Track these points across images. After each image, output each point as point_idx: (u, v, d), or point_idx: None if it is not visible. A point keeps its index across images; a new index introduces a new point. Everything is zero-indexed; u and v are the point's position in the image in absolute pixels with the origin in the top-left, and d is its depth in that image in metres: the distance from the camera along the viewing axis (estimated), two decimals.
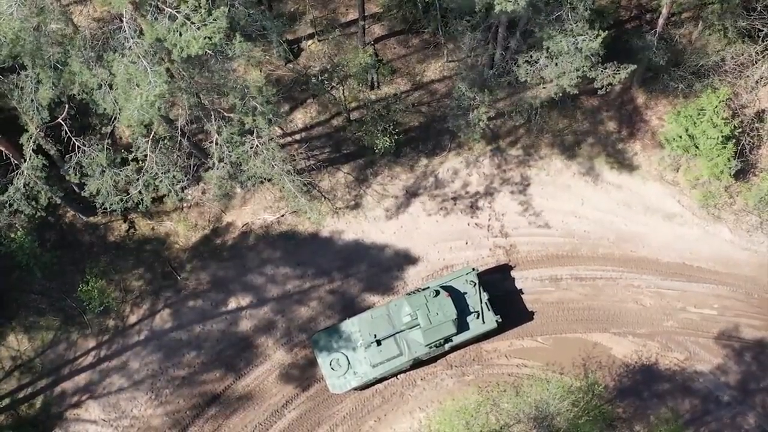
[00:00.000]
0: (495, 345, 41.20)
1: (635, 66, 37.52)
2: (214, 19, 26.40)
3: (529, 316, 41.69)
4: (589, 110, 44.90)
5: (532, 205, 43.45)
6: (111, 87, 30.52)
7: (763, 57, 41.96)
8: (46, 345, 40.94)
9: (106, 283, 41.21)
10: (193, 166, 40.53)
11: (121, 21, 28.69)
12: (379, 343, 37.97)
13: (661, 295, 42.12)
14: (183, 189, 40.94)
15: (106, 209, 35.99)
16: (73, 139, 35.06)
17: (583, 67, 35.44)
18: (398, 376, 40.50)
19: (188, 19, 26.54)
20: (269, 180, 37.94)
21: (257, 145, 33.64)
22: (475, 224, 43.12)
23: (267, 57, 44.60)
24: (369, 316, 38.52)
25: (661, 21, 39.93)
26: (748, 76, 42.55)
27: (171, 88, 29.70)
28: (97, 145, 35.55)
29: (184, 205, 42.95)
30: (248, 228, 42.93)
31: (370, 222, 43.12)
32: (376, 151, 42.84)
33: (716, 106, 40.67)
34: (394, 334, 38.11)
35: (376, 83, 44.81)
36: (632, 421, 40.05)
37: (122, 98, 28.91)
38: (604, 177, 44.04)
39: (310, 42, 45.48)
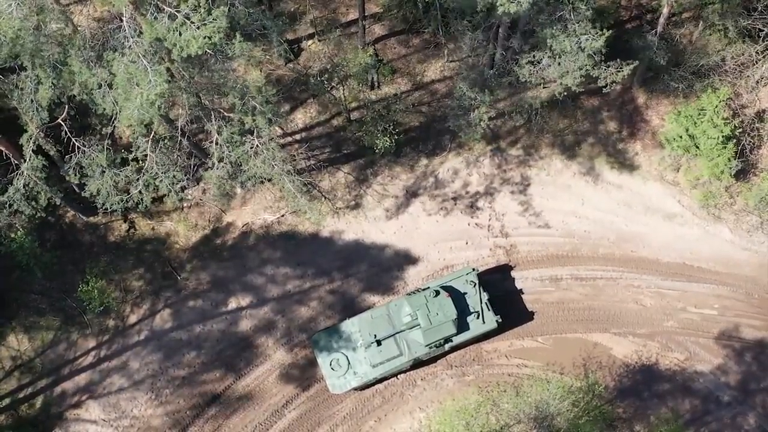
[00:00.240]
0: (495, 345, 41.18)
1: (637, 62, 37.49)
2: (214, 19, 26.39)
3: (529, 316, 41.67)
4: (590, 110, 44.88)
5: (532, 205, 43.43)
6: (111, 87, 30.53)
7: (764, 57, 41.94)
8: (46, 345, 40.93)
9: (106, 283, 41.21)
10: (194, 166, 40.55)
11: (121, 20, 28.70)
12: (379, 343, 37.95)
13: (662, 295, 42.10)
14: (183, 189, 41.00)
15: (107, 209, 35.99)
16: (73, 139, 35.07)
17: (586, 66, 35.44)
18: (398, 377, 40.49)
19: (188, 19, 26.53)
20: (269, 180, 37.94)
21: (257, 145, 33.63)
22: (476, 224, 43.10)
23: (267, 57, 44.61)
24: (369, 316, 38.50)
25: (661, 21, 39.92)
26: (748, 76, 42.54)
27: (171, 87, 29.72)
28: (97, 145, 35.55)
29: (185, 205, 42.94)
30: (248, 228, 42.92)
31: (370, 222, 43.11)
32: (376, 151, 42.83)
33: (717, 106, 40.65)
34: (394, 335, 38.09)
35: (376, 83, 44.80)
36: (632, 421, 40.03)
37: (122, 98, 28.91)
38: (604, 177, 44.02)
39: (310, 42, 45.47)
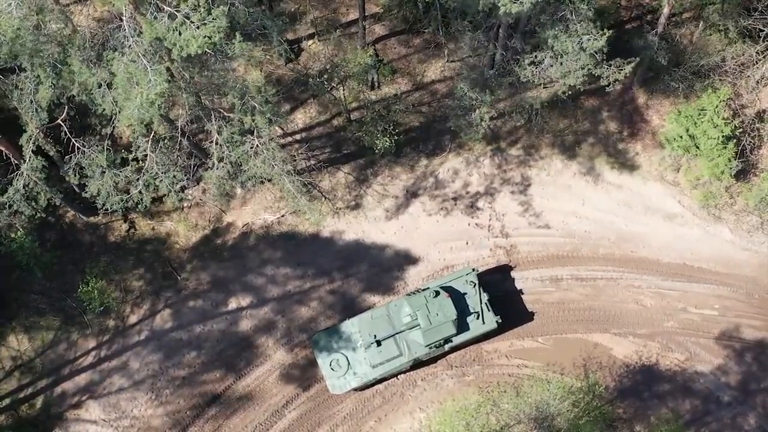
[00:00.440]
0: (495, 345, 41.16)
1: (639, 59, 37.46)
2: (214, 18, 26.39)
3: (529, 316, 41.66)
4: (590, 110, 44.87)
5: (532, 205, 43.42)
6: (110, 87, 30.53)
7: (764, 57, 41.94)
8: (47, 345, 40.92)
9: (106, 283, 41.20)
10: (194, 166, 40.54)
11: (121, 20, 28.69)
12: (379, 343, 37.93)
13: (662, 295, 42.08)
14: (183, 189, 41.08)
15: (107, 210, 35.98)
16: (73, 139, 35.06)
17: (588, 65, 35.44)
18: (398, 377, 40.47)
19: (187, 18, 26.53)
20: (269, 180, 37.95)
21: (257, 145, 33.63)
22: (476, 224, 43.09)
23: (267, 57, 44.62)
24: (369, 317, 38.48)
25: (662, 20, 39.91)
26: (748, 76, 42.54)
27: (171, 87, 29.72)
28: (97, 145, 35.56)
29: (185, 205, 42.93)
30: (248, 228, 42.91)
31: (370, 222, 43.10)
32: (376, 151, 42.83)
33: (717, 106, 40.64)
34: (394, 335, 38.07)
35: (376, 83, 44.80)
36: (633, 421, 40.01)
37: (122, 97, 28.92)
38: (604, 177, 44.01)
39: (310, 42, 45.47)
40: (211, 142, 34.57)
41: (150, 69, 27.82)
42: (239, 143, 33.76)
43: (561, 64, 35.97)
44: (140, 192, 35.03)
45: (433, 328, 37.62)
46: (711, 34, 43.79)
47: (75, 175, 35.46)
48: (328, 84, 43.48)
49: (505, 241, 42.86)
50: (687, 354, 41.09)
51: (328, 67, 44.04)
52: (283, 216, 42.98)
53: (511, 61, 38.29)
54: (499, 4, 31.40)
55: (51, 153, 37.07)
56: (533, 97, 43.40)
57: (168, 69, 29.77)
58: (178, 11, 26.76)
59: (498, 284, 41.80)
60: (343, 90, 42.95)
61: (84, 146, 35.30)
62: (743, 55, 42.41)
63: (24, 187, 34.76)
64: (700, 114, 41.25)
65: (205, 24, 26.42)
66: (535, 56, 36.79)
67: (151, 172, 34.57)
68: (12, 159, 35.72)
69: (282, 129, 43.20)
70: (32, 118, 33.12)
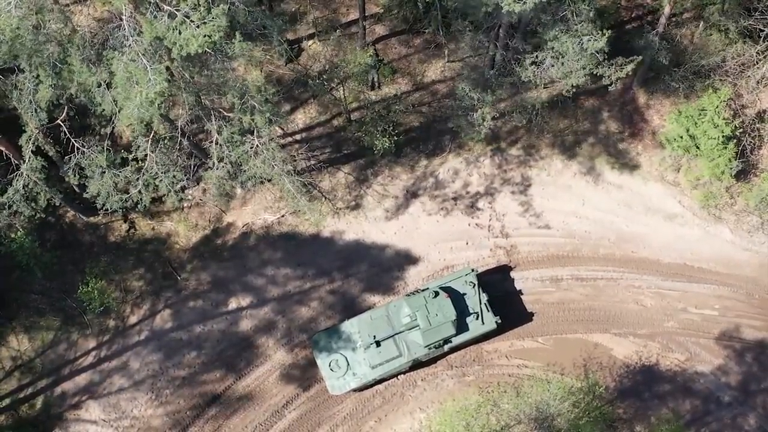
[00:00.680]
0: (496, 345, 41.15)
1: (641, 57, 37.44)
2: (214, 17, 26.39)
3: (529, 316, 41.65)
4: (590, 110, 44.86)
5: (532, 205, 43.41)
6: (110, 86, 30.52)
7: (764, 57, 41.92)
8: (47, 345, 40.92)
9: (106, 284, 41.19)
10: (194, 166, 40.52)
11: (121, 19, 28.68)
12: (378, 344, 37.90)
13: (662, 295, 42.07)
14: (183, 189, 41.08)
15: (107, 210, 35.96)
16: (73, 140, 35.04)
17: (589, 65, 35.43)
18: (398, 377, 40.45)
19: (187, 18, 26.53)
20: (269, 180, 37.93)
21: (257, 145, 33.61)
22: (476, 224, 43.08)
23: (267, 57, 44.60)
24: (368, 317, 38.45)
25: (662, 20, 39.89)
26: (749, 77, 42.50)
27: (171, 86, 29.70)
28: (97, 146, 35.53)
29: (185, 205, 42.93)
30: (249, 228, 42.90)
31: (370, 222, 43.09)
32: (376, 151, 42.83)
33: (717, 107, 40.63)
34: (393, 335, 38.05)
35: (376, 83, 44.79)
36: (633, 421, 39.99)
37: (122, 97, 28.91)
38: (605, 177, 44.00)
39: (310, 42, 45.46)
40: (211, 142, 34.56)
41: (150, 68, 27.81)
42: (239, 143, 33.74)
43: (562, 64, 35.97)
44: (140, 192, 35.01)
45: (432, 328, 37.59)
46: (711, 34, 43.80)
47: (75, 176, 35.43)
48: (327, 84, 43.46)
49: (505, 241, 42.85)
50: (687, 354, 41.07)
51: (327, 68, 44.01)
52: (283, 216, 42.97)
53: (512, 61, 38.28)
54: (503, 4, 31.36)
55: (51, 153, 37.07)
56: (533, 98, 43.38)
57: (168, 68, 29.76)
58: (178, 10, 26.75)
59: (498, 284, 41.79)
60: (344, 90, 42.94)
61: (84, 146, 35.28)
62: (744, 55, 42.39)
63: (24, 188, 34.74)
64: (700, 114, 41.24)
65: (205, 23, 26.41)
66: (536, 56, 36.78)
67: (151, 172, 34.55)
68: (12, 159, 35.69)
69: (282, 129, 43.19)
70: (32, 118, 33.11)
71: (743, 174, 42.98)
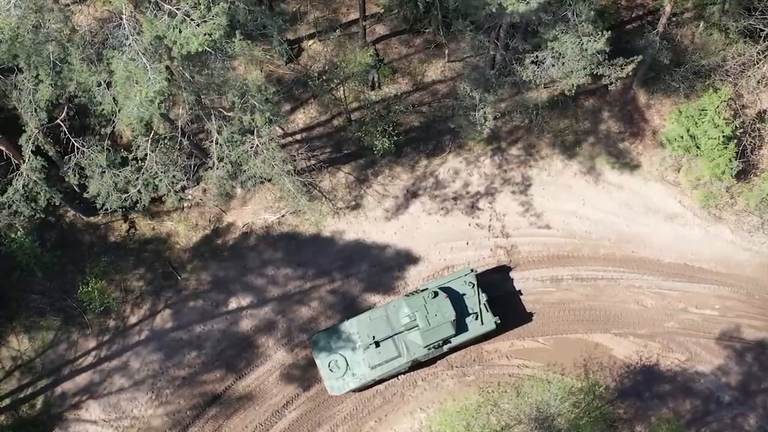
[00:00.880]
0: (496, 345, 41.14)
1: (641, 57, 37.41)
2: (214, 15, 26.41)
3: (529, 316, 41.63)
4: (590, 110, 44.84)
5: (533, 205, 43.39)
6: (110, 86, 30.52)
7: (765, 57, 41.90)
8: (47, 345, 40.91)
9: (106, 283, 41.16)
10: (194, 166, 40.55)
11: (121, 18, 28.67)
12: (377, 344, 37.88)
13: (663, 295, 42.05)
14: (183, 189, 41.08)
15: (107, 210, 35.96)
16: (73, 139, 35.02)
17: (590, 65, 35.42)
18: (399, 377, 40.44)
19: (188, 16, 26.54)
20: (269, 180, 37.91)
21: (257, 145, 33.61)
22: (476, 224, 43.06)
23: (268, 57, 44.58)
24: (367, 318, 38.42)
25: (663, 20, 39.86)
26: (749, 77, 42.47)
27: (171, 86, 29.70)
28: (97, 145, 35.54)
29: (185, 205, 42.92)
30: (249, 228, 42.89)
31: (370, 222, 43.07)
32: (376, 151, 42.82)
33: (718, 107, 40.62)
34: (392, 336, 38.01)
35: (377, 83, 44.78)
36: (633, 421, 39.98)
37: (121, 96, 28.91)
38: (605, 177, 43.98)
39: (311, 42, 45.45)
40: (211, 141, 34.56)
41: (149, 67, 27.82)
42: (239, 143, 33.74)
43: (563, 64, 35.95)
44: (139, 191, 35.01)
45: (431, 329, 37.55)
46: (712, 34, 43.78)
47: (75, 175, 35.43)
48: (328, 84, 43.44)
49: (505, 241, 42.84)
50: (687, 354, 41.06)
51: (327, 68, 44.00)
52: (283, 216, 42.96)
53: (512, 60, 38.25)
54: (506, 4, 31.30)
55: (51, 153, 37.06)
56: (534, 97, 43.35)
57: (167, 67, 29.76)
58: (178, 9, 26.77)
59: (498, 284, 41.78)
60: (344, 90, 42.93)
61: (84, 146, 35.28)
62: (744, 55, 42.38)
63: (23, 187, 34.74)
64: (700, 114, 41.23)
65: (205, 21, 26.44)
66: (536, 56, 36.75)
67: (151, 172, 34.55)
68: (12, 159, 35.68)
69: (282, 129, 43.19)
70: (31, 117, 33.11)
71: (743, 174, 42.96)
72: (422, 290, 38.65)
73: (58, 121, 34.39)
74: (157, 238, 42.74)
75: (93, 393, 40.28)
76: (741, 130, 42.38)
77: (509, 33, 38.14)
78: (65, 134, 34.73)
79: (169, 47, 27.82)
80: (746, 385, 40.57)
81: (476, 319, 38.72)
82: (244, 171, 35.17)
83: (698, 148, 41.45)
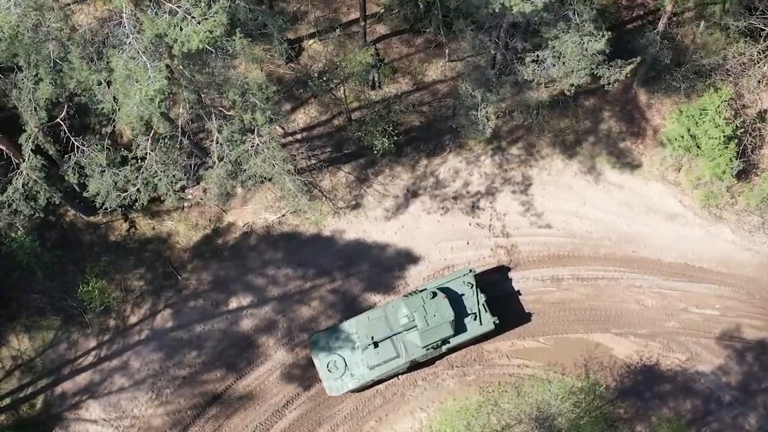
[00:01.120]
0: (496, 345, 41.12)
1: (641, 59, 37.39)
2: (215, 13, 26.45)
3: (530, 316, 41.62)
4: (591, 110, 44.83)
5: (533, 205, 43.38)
6: (110, 84, 30.53)
7: (765, 56, 41.88)
8: (47, 345, 40.90)
9: (106, 283, 41.15)
10: (194, 166, 40.54)
11: (121, 17, 28.68)
12: (376, 345, 37.85)
13: (663, 295, 42.03)
14: (183, 189, 41.03)
15: (107, 209, 35.97)
16: (73, 138, 35.02)
17: (590, 65, 35.40)
18: (399, 377, 40.41)
19: (188, 14, 26.57)
20: (270, 179, 37.91)
21: (258, 144, 33.60)
22: (477, 224, 43.05)
23: (268, 56, 44.56)
24: (366, 318, 38.39)
25: (663, 19, 39.84)
26: (750, 76, 42.45)
27: (171, 84, 29.70)
28: (97, 145, 35.54)
29: (185, 204, 42.91)
30: (249, 228, 42.87)
31: (371, 222, 43.06)
32: (375, 151, 42.82)
33: (718, 106, 40.60)
34: (391, 336, 37.98)
35: (377, 83, 44.76)
36: (634, 421, 39.97)
37: (121, 94, 28.92)
38: (605, 177, 43.97)
39: (311, 41, 45.44)
40: (212, 141, 34.55)
41: (150, 66, 27.83)
42: (239, 142, 33.74)
43: (563, 63, 35.93)
44: (138, 190, 34.99)
45: (430, 329, 37.49)
46: (712, 34, 43.75)
47: (74, 174, 35.45)
48: (328, 84, 43.41)
49: (506, 240, 42.82)
50: (688, 354, 41.04)
51: (328, 67, 43.99)
52: (283, 215, 42.95)
53: (514, 60, 38.23)
54: (512, 4, 31.25)
55: (51, 152, 37.05)
56: (534, 97, 43.32)
57: (167, 66, 29.76)
58: (179, 7, 26.80)
59: (499, 284, 41.77)
60: (344, 90, 42.92)
61: (84, 145, 35.28)
62: (744, 54, 42.36)
63: (23, 186, 34.75)
64: (701, 114, 41.21)
65: (206, 19, 26.47)
66: (537, 55, 36.73)
67: (151, 171, 34.54)
68: (12, 158, 35.68)
69: (282, 128, 43.20)
70: (31, 116, 33.13)
71: (744, 174, 42.95)
72: (421, 291, 38.62)
73: (58, 120, 34.39)
74: (158, 238, 42.73)
75: (93, 392, 40.27)
76: (741, 130, 42.36)
77: (510, 32, 38.13)
78: (65, 133, 34.73)
79: (170, 46, 27.84)
80: (747, 384, 40.55)
81: (475, 319, 38.67)
82: (245, 170, 35.16)
83: (699, 147, 41.42)
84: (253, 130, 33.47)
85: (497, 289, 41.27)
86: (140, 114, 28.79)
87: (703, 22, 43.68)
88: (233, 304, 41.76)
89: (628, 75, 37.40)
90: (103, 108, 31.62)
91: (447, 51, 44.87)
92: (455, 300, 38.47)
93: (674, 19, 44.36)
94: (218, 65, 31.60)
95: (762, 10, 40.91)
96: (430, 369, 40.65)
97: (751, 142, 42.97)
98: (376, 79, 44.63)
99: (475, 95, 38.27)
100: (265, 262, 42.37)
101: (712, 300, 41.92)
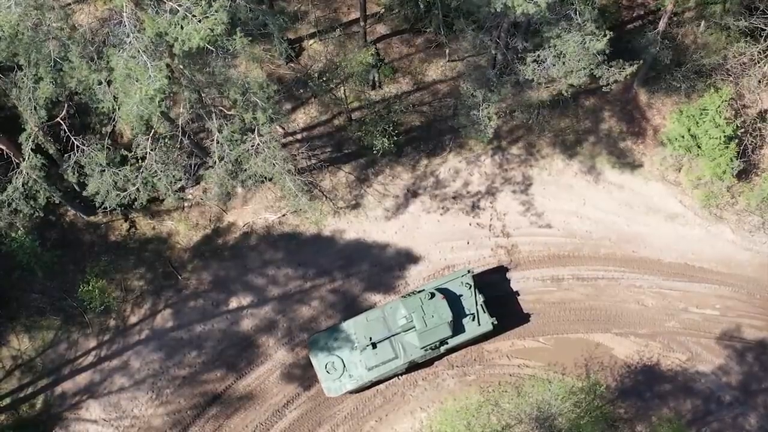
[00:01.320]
0: (496, 345, 41.11)
1: (641, 62, 37.39)
2: (215, 11, 26.47)
3: (530, 316, 41.59)
4: (591, 109, 44.82)
5: (533, 204, 43.37)
6: (110, 84, 30.53)
7: (766, 56, 41.87)
8: (47, 345, 40.88)
9: (106, 283, 41.14)
10: (194, 166, 40.52)
11: (122, 16, 28.68)
12: (374, 346, 37.82)
13: (663, 295, 42.02)
14: (182, 189, 41.02)
15: (106, 208, 35.97)
16: (73, 138, 35.01)
17: (590, 65, 35.40)
18: (399, 377, 40.39)
19: (189, 13, 26.59)
20: (270, 179, 37.90)
21: (258, 144, 33.60)
22: (477, 224, 43.04)
23: (268, 56, 44.56)
24: (364, 319, 38.37)
25: (664, 19, 39.85)
26: (750, 76, 42.46)
27: (171, 84, 29.69)
28: (97, 144, 35.53)
29: (185, 204, 42.91)
30: (249, 228, 42.86)
31: (371, 221, 43.05)
32: (375, 151, 42.81)
33: (719, 106, 40.58)
34: (389, 337, 37.95)
35: (377, 83, 44.76)
36: (634, 421, 39.95)
37: (122, 94, 28.91)
38: (606, 177, 43.96)
39: (311, 41, 45.44)
40: (212, 140, 34.54)
41: (150, 65, 27.83)
42: (240, 142, 33.73)
43: (563, 63, 35.93)
44: (138, 189, 34.98)
45: (428, 330, 37.44)
46: (713, 33, 43.77)
47: (74, 174, 35.44)
48: (328, 84, 43.40)
49: (506, 240, 42.81)
50: (688, 354, 41.03)
51: (328, 67, 43.97)
52: (284, 215, 42.94)
53: (516, 60, 38.22)
54: (515, 5, 31.22)
55: (51, 151, 37.05)
56: (535, 97, 43.31)
57: (168, 65, 29.76)
58: (179, 6, 26.81)
59: (499, 284, 41.76)
60: (344, 90, 42.92)
61: (84, 144, 35.27)
62: (745, 54, 42.37)
63: (23, 185, 34.75)
64: (701, 114, 41.20)
65: (206, 17, 26.49)
66: (538, 55, 36.73)
67: (150, 170, 34.53)
68: (12, 158, 35.68)
69: (283, 128, 43.20)
70: (31, 115, 33.13)
71: (744, 174, 42.94)
72: (419, 291, 38.58)
73: (58, 119, 34.38)
74: (158, 238, 42.72)
75: (93, 392, 40.26)
76: (742, 130, 42.36)
77: (510, 32, 38.12)
78: (65, 132, 34.71)
79: (170, 44, 27.84)
80: (747, 384, 40.54)
81: (473, 320, 38.63)
82: (245, 170, 35.15)
83: (699, 147, 41.41)
84: (254, 130, 33.47)
85: (497, 289, 41.26)
86: (140, 113, 28.79)
87: (703, 22, 43.70)
88: (233, 303, 41.75)
89: (628, 77, 37.40)
90: (103, 107, 31.62)
91: (447, 51, 44.87)
92: (453, 301, 38.44)
93: (674, 18, 44.37)
94: (219, 64, 31.61)
95: (762, 9, 40.92)
96: (431, 369, 40.63)
97: (752, 142, 42.98)
98: (376, 79, 44.63)
99: (476, 95, 38.27)
100: (266, 262, 42.36)
101: (713, 300, 41.91)
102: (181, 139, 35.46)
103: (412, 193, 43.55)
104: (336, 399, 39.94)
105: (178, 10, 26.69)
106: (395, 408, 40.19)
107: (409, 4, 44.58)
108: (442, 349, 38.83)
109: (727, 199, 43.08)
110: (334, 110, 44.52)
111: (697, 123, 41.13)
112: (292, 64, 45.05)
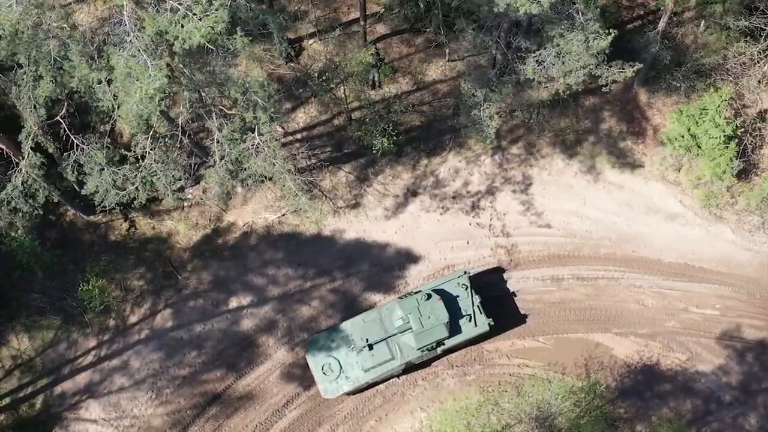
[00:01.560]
0: (496, 345, 41.10)
1: (641, 65, 37.41)
2: (216, 10, 26.49)
3: (530, 316, 41.57)
4: (591, 109, 44.82)
5: (533, 204, 43.36)
6: (110, 83, 30.54)
7: (765, 56, 41.88)
8: (47, 344, 40.87)
9: (106, 283, 41.16)
10: (194, 165, 40.51)
11: (122, 15, 28.69)
12: (371, 347, 37.79)
13: (663, 295, 42.01)
14: (181, 189, 41.00)
15: (105, 207, 35.98)
16: (72, 137, 35.01)
17: (590, 65, 35.38)
18: (398, 377, 40.37)
19: (189, 11, 26.60)
20: (270, 179, 37.90)
21: (258, 143, 33.60)
22: (477, 224, 43.03)
23: (268, 56, 44.56)
24: (361, 320, 38.34)
25: (664, 19, 39.85)
26: (750, 76, 42.46)
27: (171, 83, 29.70)
28: (96, 143, 35.53)
29: (185, 204, 42.90)
30: (249, 228, 42.86)
31: (371, 221, 43.05)
32: (375, 151, 42.81)
33: (719, 106, 40.59)
34: (386, 338, 37.92)
35: (377, 83, 44.76)
36: (634, 421, 39.94)
37: (122, 93, 28.91)
38: (605, 177, 43.95)
39: (311, 41, 45.44)
40: (212, 140, 34.54)
41: (150, 64, 27.83)
42: (240, 141, 33.73)
43: (563, 63, 35.91)
44: (137, 188, 34.97)
45: (424, 331, 37.39)
46: (713, 33, 43.78)
47: (73, 172, 35.45)
48: (327, 83, 43.39)
49: (506, 240, 42.80)
50: (688, 354, 41.02)
51: (328, 67, 43.97)
52: (284, 215, 42.93)
53: (515, 59, 38.20)
54: (518, 5, 31.20)
55: (50, 150, 37.03)
56: (535, 96, 43.30)
57: (168, 65, 29.76)
58: (180, 4, 26.81)
59: (499, 284, 41.75)
60: (344, 89, 42.92)
61: (83, 143, 35.27)
62: (745, 54, 42.38)
63: (23, 184, 34.75)
64: (701, 113, 41.20)
65: (207, 15, 26.50)
66: (539, 54, 36.71)
67: (150, 169, 34.52)
68: (12, 157, 35.68)
69: (283, 128, 43.20)
70: (30, 114, 33.15)
71: (744, 173, 42.94)
72: (415, 292, 38.54)
73: (58, 118, 34.40)
74: (158, 238, 42.71)
75: (93, 392, 40.25)
76: (742, 130, 42.35)
77: (511, 32, 38.11)
78: (65, 131, 34.72)
79: (171, 43, 27.84)
80: (747, 384, 40.52)
81: (470, 321, 38.59)
82: (245, 169, 35.14)
83: (699, 147, 41.42)
84: (254, 129, 33.47)
85: (497, 289, 41.25)
86: (140, 112, 28.78)
87: (703, 22, 43.70)
88: (233, 303, 41.74)
89: (628, 78, 37.38)
90: (102, 106, 31.65)
91: (447, 51, 44.87)
92: (450, 302, 38.39)
93: (674, 18, 44.39)
94: (219, 63, 31.60)
95: (762, 9, 40.93)
96: (430, 369, 40.62)
97: (752, 141, 42.97)
98: (376, 78, 44.63)
99: (477, 95, 38.25)
100: (265, 262, 42.35)
101: (713, 300, 41.90)
102: (181, 138, 35.46)
103: (412, 193, 43.55)
104: (335, 399, 39.91)
105: (179, 9, 26.72)
106: (395, 408, 40.17)
107: (409, 4, 44.59)
108: (439, 350, 38.81)
109: (727, 199, 43.07)
110: (334, 110, 44.53)
111: (697, 123, 41.14)
112: (292, 64, 45.06)
